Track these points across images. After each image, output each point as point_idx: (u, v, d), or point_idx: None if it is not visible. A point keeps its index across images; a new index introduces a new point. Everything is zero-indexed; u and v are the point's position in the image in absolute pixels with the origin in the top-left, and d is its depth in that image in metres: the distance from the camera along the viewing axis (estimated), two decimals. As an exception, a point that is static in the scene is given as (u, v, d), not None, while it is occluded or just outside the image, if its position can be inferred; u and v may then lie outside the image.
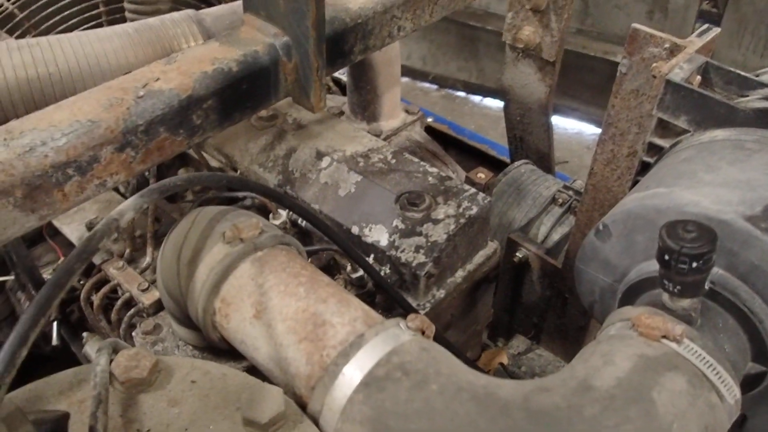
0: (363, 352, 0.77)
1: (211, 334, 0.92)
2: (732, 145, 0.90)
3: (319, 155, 1.42)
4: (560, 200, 1.67)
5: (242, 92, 0.96)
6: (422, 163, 1.41)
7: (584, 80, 4.04)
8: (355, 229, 1.31)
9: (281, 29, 0.97)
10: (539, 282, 1.59)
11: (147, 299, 1.23)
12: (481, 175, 1.52)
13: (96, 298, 1.34)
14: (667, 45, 1.07)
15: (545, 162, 1.99)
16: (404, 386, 0.73)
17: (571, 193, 1.67)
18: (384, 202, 1.32)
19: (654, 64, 1.05)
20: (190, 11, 1.29)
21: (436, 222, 1.27)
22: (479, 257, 1.37)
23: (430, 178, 1.36)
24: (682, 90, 0.97)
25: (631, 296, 0.89)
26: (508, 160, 2.16)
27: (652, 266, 0.86)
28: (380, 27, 1.16)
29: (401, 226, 1.28)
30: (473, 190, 1.33)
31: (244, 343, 0.87)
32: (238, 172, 1.49)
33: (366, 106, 1.63)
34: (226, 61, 0.93)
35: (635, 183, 1.14)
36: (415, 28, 1.25)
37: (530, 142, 1.97)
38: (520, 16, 1.68)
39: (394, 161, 1.41)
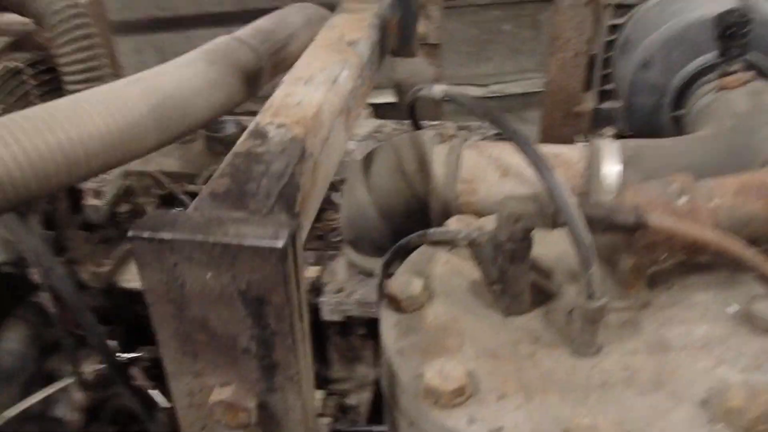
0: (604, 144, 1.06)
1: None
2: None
3: (342, 141, 1.63)
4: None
5: (382, 48, 1.18)
6: (425, 122, 1.70)
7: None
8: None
9: (382, -6, 1.23)
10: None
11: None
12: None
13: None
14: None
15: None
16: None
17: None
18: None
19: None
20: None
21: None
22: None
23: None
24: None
25: (681, 96, 1.32)
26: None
27: (690, 69, 1.30)
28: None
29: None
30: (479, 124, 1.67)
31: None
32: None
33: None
34: (367, 22, 1.14)
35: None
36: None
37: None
38: (404, 15, 2.08)
39: (405, 128, 1.67)
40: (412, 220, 1.13)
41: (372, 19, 1.16)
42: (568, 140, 1.80)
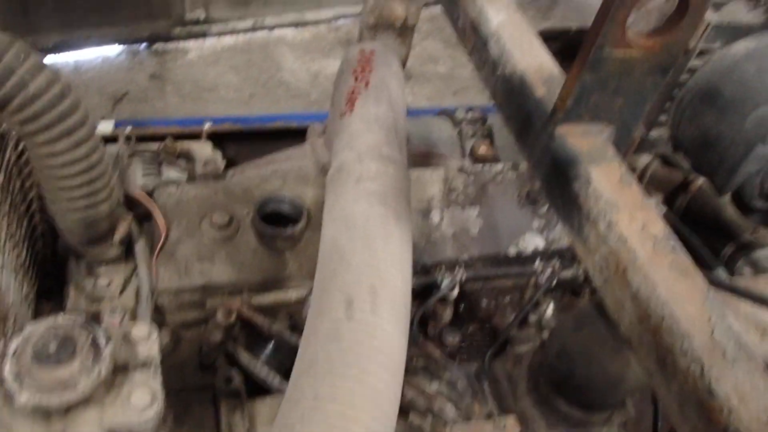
0: None
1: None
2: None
3: (424, 214, 1.38)
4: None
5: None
6: (478, 166, 1.50)
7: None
8: (512, 251, 1.40)
9: (607, 123, 0.99)
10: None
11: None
12: (484, 147, 1.66)
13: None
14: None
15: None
16: None
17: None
18: (516, 213, 1.42)
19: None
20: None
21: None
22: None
23: (509, 173, 1.49)
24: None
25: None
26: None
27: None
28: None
29: (542, 221, 1.43)
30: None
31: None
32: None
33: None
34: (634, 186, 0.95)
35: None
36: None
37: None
38: (385, -6, 1.70)
39: (471, 178, 1.46)
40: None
41: (625, 171, 0.97)
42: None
